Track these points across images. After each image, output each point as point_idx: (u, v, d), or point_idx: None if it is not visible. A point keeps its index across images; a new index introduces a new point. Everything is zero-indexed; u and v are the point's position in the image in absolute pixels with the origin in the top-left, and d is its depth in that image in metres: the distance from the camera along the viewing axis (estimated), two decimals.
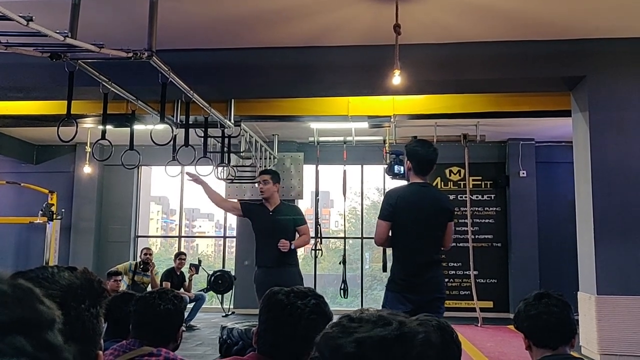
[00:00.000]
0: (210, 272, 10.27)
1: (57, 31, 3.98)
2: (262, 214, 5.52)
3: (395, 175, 7.12)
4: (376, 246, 6.57)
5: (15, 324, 0.57)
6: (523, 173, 10.55)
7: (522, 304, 2.24)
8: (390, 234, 3.86)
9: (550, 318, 2.13)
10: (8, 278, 0.61)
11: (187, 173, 5.85)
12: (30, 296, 0.61)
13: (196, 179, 5.78)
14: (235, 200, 5.81)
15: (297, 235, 5.53)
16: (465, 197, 10.08)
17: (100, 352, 1.04)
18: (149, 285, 9.21)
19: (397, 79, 5.06)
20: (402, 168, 6.55)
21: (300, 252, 5.69)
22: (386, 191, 4.14)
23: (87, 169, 10.43)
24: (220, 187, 11.02)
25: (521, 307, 2.23)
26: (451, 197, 10.71)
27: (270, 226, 5.42)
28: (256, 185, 5.58)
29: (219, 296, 10.73)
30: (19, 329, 0.57)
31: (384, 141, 9.07)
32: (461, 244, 10.47)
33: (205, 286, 10.20)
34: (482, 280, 10.29)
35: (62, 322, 0.63)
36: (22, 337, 0.56)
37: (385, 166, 8.17)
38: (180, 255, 9.62)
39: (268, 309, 1.87)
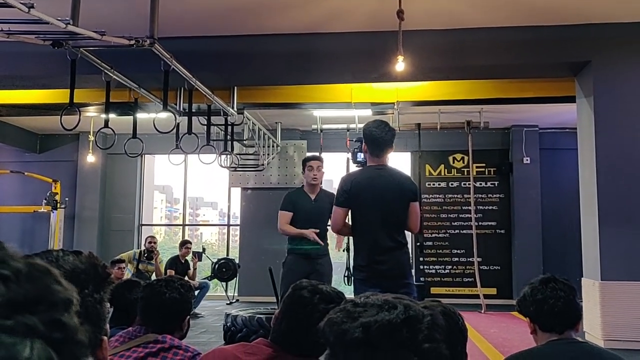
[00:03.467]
0: (215, 260, 10.29)
1: (59, 18, 3.96)
2: (304, 203, 5.32)
3: (359, 164, 7.03)
4: None
5: (28, 302, 0.56)
6: (527, 160, 10.51)
7: (527, 288, 2.23)
8: (351, 221, 3.76)
9: (557, 302, 2.12)
10: (24, 256, 0.60)
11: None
12: (45, 275, 0.60)
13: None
14: (286, 213, 5.45)
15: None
16: (469, 184, 10.06)
17: (105, 338, 1.04)
18: (154, 274, 9.24)
19: (400, 65, 5.03)
20: None
21: None
22: (341, 177, 3.98)
23: (91, 158, 10.43)
24: (223, 175, 11.06)
25: (527, 292, 2.21)
26: (454, 184, 10.77)
27: (311, 215, 5.25)
28: (306, 170, 5.38)
29: (223, 284, 10.77)
30: (32, 308, 0.56)
31: None
32: (465, 231, 10.48)
33: (210, 274, 10.23)
34: (485, 267, 10.28)
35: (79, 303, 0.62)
36: (35, 316, 0.55)
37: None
38: (185, 244, 9.64)
39: (290, 300, 1.87)
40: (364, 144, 3.79)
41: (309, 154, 6.32)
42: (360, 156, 6.78)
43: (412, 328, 0.84)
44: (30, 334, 0.54)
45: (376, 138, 3.71)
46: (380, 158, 3.76)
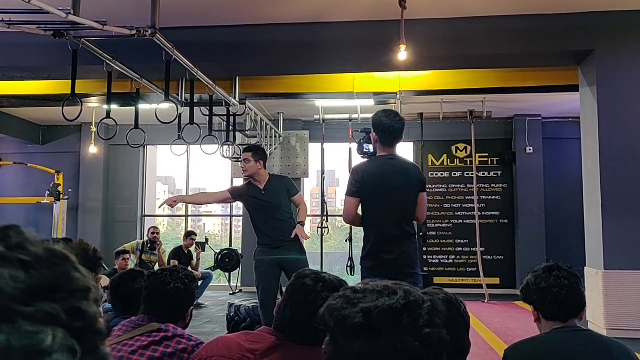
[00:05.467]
0: (218, 251, 10.31)
1: (60, 8, 3.94)
2: (253, 194, 5.24)
3: (365, 155, 6.98)
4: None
5: (48, 289, 0.54)
6: (530, 149, 10.48)
7: (531, 276, 2.21)
8: (361, 211, 3.76)
9: (561, 291, 2.11)
10: (43, 242, 0.59)
11: (165, 203, 5.35)
12: (64, 262, 0.58)
13: (171, 203, 5.28)
14: (223, 190, 5.55)
15: (292, 206, 5.43)
16: (472, 174, 10.04)
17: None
18: (157, 264, 9.27)
19: (402, 54, 5.01)
20: (371, 147, 6.43)
21: (306, 230, 5.58)
22: (353, 167, 3.96)
23: (93, 149, 10.44)
24: (226, 166, 11.06)
25: (530, 280, 2.20)
26: (457, 174, 10.75)
27: (265, 204, 5.19)
28: (239, 164, 5.32)
29: (227, 274, 10.79)
30: (52, 295, 0.54)
31: None
32: (468, 221, 10.48)
33: (213, 265, 10.25)
34: (488, 257, 10.29)
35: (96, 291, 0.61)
36: (56, 304, 0.54)
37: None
38: (191, 235, 9.67)
39: (293, 289, 1.86)
40: (373, 133, 3.76)
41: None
42: (367, 147, 6.76)
43: (412, 313, 0.84)
44: (52, 323, 0.52)
45: (387, 127, 3.69)
46: (391, 148, 3.75)
